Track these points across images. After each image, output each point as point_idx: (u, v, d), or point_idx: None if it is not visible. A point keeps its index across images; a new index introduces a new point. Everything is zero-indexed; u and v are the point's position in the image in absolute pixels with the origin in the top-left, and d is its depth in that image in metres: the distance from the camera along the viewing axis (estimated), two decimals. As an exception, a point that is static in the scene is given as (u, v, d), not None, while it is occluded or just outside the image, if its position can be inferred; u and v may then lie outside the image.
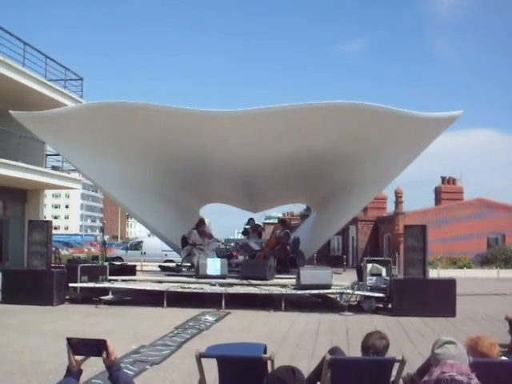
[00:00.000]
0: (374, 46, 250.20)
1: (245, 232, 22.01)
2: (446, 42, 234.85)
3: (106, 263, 18.54)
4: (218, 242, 19.77)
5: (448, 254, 36.50)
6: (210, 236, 18.94)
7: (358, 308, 14.44)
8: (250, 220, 21.10)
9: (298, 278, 14.81)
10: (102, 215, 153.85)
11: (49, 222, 16.19)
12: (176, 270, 19.35)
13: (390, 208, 43.00)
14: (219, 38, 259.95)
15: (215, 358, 4.88)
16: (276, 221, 55.67)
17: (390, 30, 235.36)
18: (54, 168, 27.67)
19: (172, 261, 27.98)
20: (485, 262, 36.98)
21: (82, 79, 27.78)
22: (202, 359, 4.89)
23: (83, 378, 3.29)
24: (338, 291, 14.71)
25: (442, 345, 3.89)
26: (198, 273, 16.32)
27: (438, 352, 3.86)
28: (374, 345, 4.87)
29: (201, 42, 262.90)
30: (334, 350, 5.33)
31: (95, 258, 26.44)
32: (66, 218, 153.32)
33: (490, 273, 33.16)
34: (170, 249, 23.73)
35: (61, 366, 7.57)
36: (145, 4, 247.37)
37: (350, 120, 14.98)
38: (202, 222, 18.90)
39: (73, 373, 3.02)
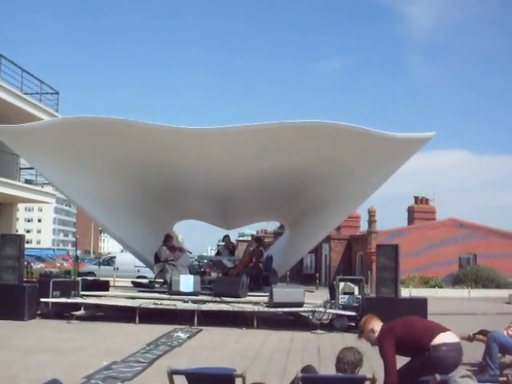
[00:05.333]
0: (350, 64, 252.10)
1: (218, 252, 22.04)
2: (422, 61, 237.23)
3: (79, 278, 18.41)
4: (190, 253, 19.66)
5: (420, 272, 36.68)
6: (181, 249, 18.87)
7: (329, 326, 14.45)
8: (225, 237, 21.11)
9: (271, 296, 14.85)
10: (74, 230, 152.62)
11: (21, 236, 16.00)
12: (149, 286, 19.28)
13: (364, 227, 43.26)
14: (197, 52, 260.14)
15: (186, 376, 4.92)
16: (250, 238, 55.83)
17: (366, 49, 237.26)
18: (27, 182, 27.48)
19: (145, 277, 27.82)
20: (456, 281, 37.28)
21: (57, 93, 27.78)
22: (174, 376, 4.92)
23: None
24: (311, 309, 14.76)
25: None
26: (171, 289, 16.29)
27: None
28: (349, 361, 4.96)
29: (178, 56, 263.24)
30: (307, 369, 5.37)
31: (67, 272, 26.31)
32: (39, 232, 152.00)
33: (462, 292, 33.44)
34: (142, 265, 23.63)
35: (32, 382, 7.59)
36: (122, 18, 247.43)
37: (324, 139, 15.12)
38: (168, 237, 18.58)
39: None
